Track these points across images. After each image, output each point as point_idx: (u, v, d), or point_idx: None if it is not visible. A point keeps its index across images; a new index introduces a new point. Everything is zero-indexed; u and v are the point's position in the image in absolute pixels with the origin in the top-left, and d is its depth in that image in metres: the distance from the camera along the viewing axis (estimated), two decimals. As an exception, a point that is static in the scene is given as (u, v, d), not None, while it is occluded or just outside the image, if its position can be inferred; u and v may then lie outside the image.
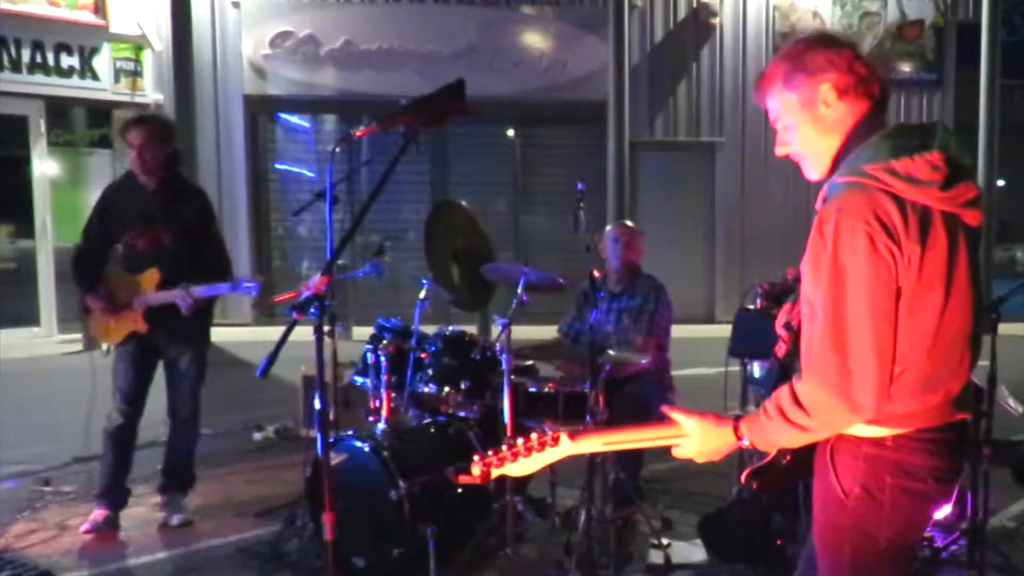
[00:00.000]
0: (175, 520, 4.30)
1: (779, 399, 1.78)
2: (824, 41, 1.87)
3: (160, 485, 4.42)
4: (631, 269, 4.53)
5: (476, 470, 1.83)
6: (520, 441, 1.83)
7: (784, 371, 1.93)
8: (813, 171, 1.93)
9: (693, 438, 1.86)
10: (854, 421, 1.75)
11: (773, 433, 1.80)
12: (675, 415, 1.88)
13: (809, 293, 1.78)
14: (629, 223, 4.80)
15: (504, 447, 1.83)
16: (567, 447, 1.83)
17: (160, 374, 4.32)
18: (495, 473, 1.83)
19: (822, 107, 1.85)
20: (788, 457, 1.90)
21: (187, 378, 4.27)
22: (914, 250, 1.70)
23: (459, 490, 3.79)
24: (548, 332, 4.78)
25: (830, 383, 1.70)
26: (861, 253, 1.67)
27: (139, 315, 4.12)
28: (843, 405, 1.70)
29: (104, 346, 4.29)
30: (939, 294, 1.75)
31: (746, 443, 1.85)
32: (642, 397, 4.22)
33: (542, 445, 1.82)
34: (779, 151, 1.96)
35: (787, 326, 1.94)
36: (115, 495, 4.23)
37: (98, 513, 4.18)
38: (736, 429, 1.84)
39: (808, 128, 1.88)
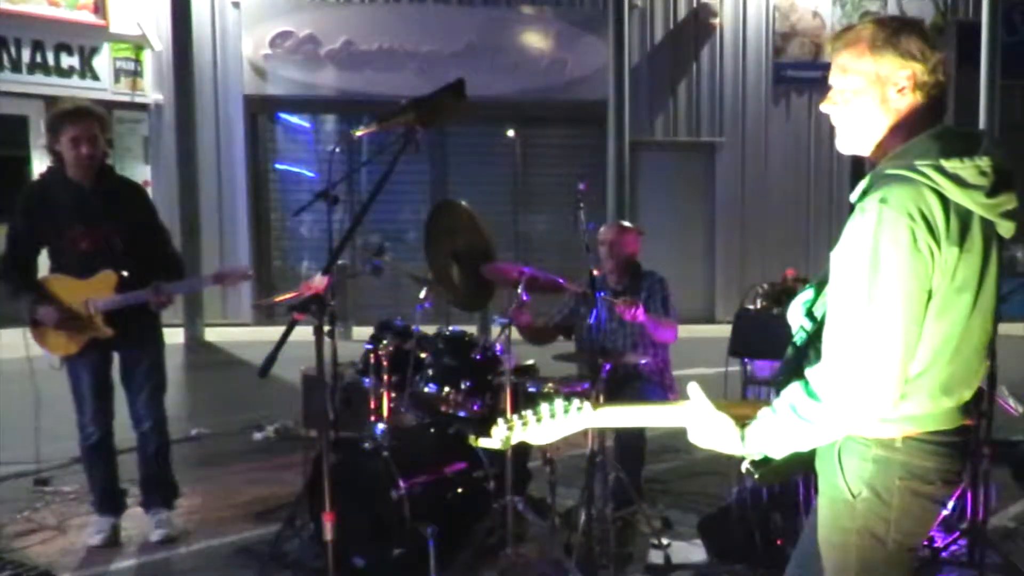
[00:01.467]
0: (156, 536, 4.06)
1: (788, 395, 1.77)
2: (923, 32, 1.85)
3: (141, 501, 4.18)
4: (630, 268, 4.53)
5: (497, 434, 1.82)
6: (543, 408, 1.83)
7: (798, 360, 1.92)
8: (849, 145, 1.90)
9: (704, 425, 1.85)
10: (863, 416, 1.72)
11: (781, 431, 1.77)
12: (694, 395, 1.86)
13: (841, 280, 1.76)
14: (623, 223, 4.78)
15: (527, 413, 1.83)
16: (588, 417, 1.85)
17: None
18: (515, 438, 1.83)
19: (894, 89, 1.82)
20: None
21: (150, 382, 4.06)
22: (952, 252, 1.70)
23: (459, 490, 3.80)
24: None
25: (849, 373, 1.69)
26: (902, 247, 1.66)
27: (100, 320, 3.86)
28: (857, 397, 1.69)
29: (55, 358, 3.98)
30: (968, 300, 1.75)
31: (750, 453, 1.83)
32: (642, 397, 4.21)
33: (565, 413, 1.83)
34: (824, 107, 1.91)
35: (809, 314, 1.93)
36: (115, 501, 4.14)
37: (104, 523, 4.07)
38: (741, 439, 1.82)
39: (871, 102, 1.83)
